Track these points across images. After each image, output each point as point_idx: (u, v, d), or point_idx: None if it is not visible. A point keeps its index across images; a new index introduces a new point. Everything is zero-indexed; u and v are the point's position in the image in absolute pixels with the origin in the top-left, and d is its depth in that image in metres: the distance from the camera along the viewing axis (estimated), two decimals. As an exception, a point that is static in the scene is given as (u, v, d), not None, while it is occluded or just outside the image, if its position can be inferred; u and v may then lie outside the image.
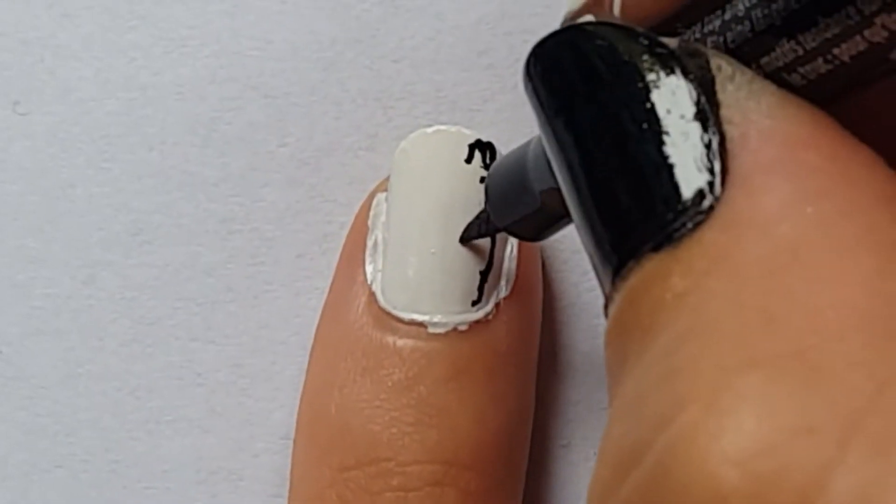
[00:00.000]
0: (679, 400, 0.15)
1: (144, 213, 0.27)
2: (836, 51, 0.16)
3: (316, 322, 0.27)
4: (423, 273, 0.25)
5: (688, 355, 0.15)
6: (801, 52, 0.16)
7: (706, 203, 0.16)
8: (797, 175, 0.16)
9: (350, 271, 0.26)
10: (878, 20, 0.15)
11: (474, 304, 0.25)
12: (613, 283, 0.17)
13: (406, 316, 0.25)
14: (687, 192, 0.16)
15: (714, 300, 0.15)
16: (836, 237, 0.15)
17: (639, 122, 0.16)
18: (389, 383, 0.25)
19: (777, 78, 0.16)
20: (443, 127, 0.26)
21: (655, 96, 0.16)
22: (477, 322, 0.25)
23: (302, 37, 0.27)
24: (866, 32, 0.15)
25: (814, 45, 0.16)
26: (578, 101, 0.17)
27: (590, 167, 0.17)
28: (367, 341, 0.25)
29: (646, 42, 0.17)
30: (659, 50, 0.17)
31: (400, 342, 0.25)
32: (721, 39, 0.17)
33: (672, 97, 0.16)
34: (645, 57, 0.17)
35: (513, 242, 0.26)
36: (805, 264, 0.15)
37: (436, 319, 0.25)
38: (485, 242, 0.25)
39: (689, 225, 0.16)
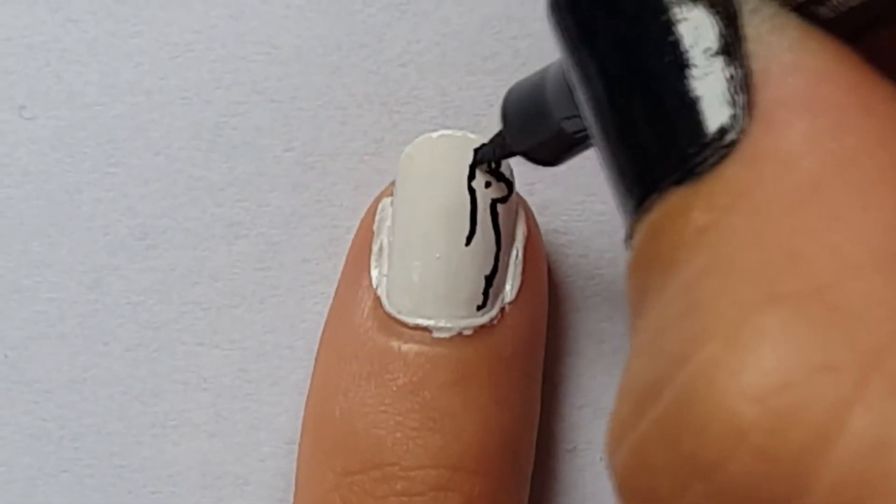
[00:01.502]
0: (699, 336, 0.15)
1: (150, 217, 0.27)
2: None
3: (321, 327, 0.27)
4: (428, 278, 0.25)
5: (708, 291, 0.15)
6: None
7: (729, 138, 0.16)
8: (819, 110, 0.16)
9: (355, 276, 0.26)
10: None
11: (479, 308, 0.25)
12: (636, 215, 0.17)
13: (411, 320, 0.25)
14: (711, 126, 0.16)
15: (735, 236, 0.15)
16: (857, 173, 0.15)
17: (663, 56, 0.16)
18: (394, 388, 0.25)
19: (806, 10, 0.16)
20: (448, 132, 0.26)
21: (680, 29, 0.16)
22: (482, 327, 0.25)
23: (307, 41, 0.27)
24: None
25: None
26: (602, 34, 0.17)
27: (613, 100, 0.17)
28: (372, 346, 0.25)
29: None
30: None
31: (405, 347, 0.25)
32: None
33: (696, 31, 0.16)
34: None
35: (518, 247, 0.26)
36: (826, 201, 0.15)
37: (441, 324, 0.25)
38: (490, 247, 0.25)
39: (713, 159, 0.16)
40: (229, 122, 0.27)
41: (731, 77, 0.16)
